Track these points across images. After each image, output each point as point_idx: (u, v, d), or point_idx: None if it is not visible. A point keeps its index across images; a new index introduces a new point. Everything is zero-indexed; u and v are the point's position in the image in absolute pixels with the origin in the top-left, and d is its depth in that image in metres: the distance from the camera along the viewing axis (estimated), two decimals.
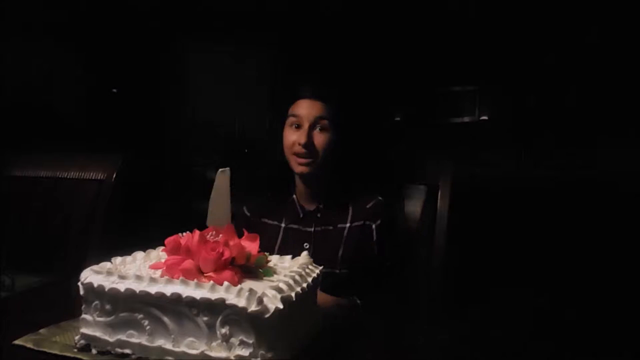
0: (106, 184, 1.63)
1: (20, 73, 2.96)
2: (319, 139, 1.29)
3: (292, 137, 1.30)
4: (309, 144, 1.28)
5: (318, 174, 1.32)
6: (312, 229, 1.34)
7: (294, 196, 1.38)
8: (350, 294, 1.28)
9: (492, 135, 3.81)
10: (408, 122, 4.14)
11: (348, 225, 1.33)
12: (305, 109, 1.30)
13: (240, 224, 1.19)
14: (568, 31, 3.37)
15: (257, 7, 3.63)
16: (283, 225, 1.37)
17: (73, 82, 3.39)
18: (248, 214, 1.42)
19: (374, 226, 1.33)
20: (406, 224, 1.44)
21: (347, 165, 1.35)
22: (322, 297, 1.18)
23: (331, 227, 1.33)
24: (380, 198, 1.35)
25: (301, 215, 1.36)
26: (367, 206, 1.34)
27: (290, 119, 1.32)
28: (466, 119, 4.09)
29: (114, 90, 3.86)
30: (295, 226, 1.36)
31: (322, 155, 1.29)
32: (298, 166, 1.30)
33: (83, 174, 1.68)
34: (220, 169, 0.97)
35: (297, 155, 1.29)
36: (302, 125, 1.30)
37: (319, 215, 1.35)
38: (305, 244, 1.32)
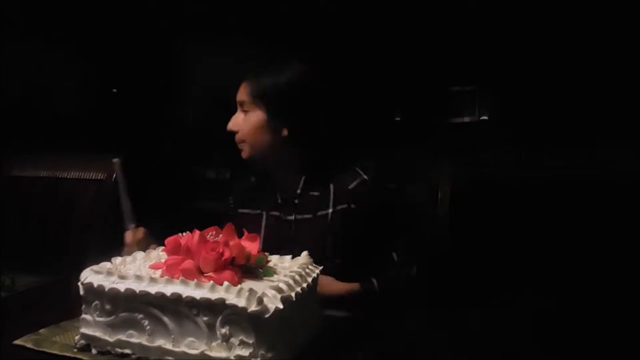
0: (106, 184, 1.64)
1: (20, 73, 2.97)
2: (243, 122, 1.24)
3: None
4: (232, 130, 1.24)
5: (263, 156, 1.24)
6: (293, 217, 1.25)
7: (272, 182, 1.31)
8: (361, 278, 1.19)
9: (492, 135, 3.81)
10: (408, 122, 4.14)
11: (331, 210, 1.23)
12: (237, 92, 1.26)
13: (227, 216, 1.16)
14: (568, 31, 3.37)
15: (257, 7, 3.64)
16: (264, 213, 1.29)
17: (73, 82, 3.40)
18: (232, 205, 1.37)
19: (359, 209, 1.22)
20: (403, 204, 1.35)
21: (307, 144, 1.24)
22: (330, 285, 1.14)
23: (311, 215, 1.24)
24: (365, 177, 1.24)
25: (279, 201, 1.28)
26: (350, 187, 1.23)
27: None
28: (466, 119, 4.09)
29: (114, 90, 3.86)
30: (276, 213, 1.28)
31: (252, 137, 1.22)
32: (241, 152, 1.26)
33: (83, 174, 1.68)
34: (113, 160, 1.02)
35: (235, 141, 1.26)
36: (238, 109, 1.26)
37: (296, 201, 1.26)
38: (287, 233, 1.25)
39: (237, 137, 1.25)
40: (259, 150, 1.24)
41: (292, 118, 1.22)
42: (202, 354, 0.78)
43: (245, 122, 1.24)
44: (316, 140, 1.26)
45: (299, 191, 1.26)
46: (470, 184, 2.00)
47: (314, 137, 1.25)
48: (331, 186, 1.25)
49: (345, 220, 1.22)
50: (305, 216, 1.25)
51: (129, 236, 1.23)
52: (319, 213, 1.24)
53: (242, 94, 1.24)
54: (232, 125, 1.26)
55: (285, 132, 1.22)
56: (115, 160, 1.07)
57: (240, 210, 1.34)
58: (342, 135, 1.36)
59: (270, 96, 1.21)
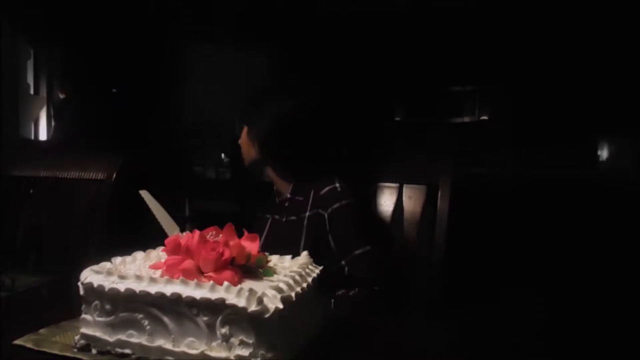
0: (106, 184, 1.64)
1: (21, 73, 2.96)
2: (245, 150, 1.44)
3: None
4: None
5: (253, 168, 1.43)
6: (284, 219, 1.39)
7: (275, 187, 1.47)
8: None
9: (492, 135, 3.81)
10: (408, 122, 4.14)
11: (307, 214, 1.34)
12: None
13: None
14: (568, 31, 3.37)
15: (256, 7, 3.63)
16: (268, 216, 1.45)
17: (73, 82, 3.40)
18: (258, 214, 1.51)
19: (326, 215, 1.31)
20: (371, 213, 1.43)
21: (289, 154, 1.39)
22: None
23: (294, 217, 1.37)
24: (337, 184, 1.34)
25: (277, 202, 1.45)
26: (321, 193, 1.34)
27: None
28: (466, 119, 4.09)
29: (114, 90, 3.86)
30: (276, 217, 1.43)
31: (247, 159, 1.44)
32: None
33: (83, 174, 1.68)
34: (140, 192, 1.07)
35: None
36: None
37: (286, 204, 1.40)
38: (281, 232, 1.38)
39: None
40: (249, 161, 1.45)
41: (281, 151, 1.40)
42: (202, 354, 0.78)
43: (246, 155, 1.45)
44: (301, 157, 1.41)
45: (288, 195, 1.41)
46: (470, 184, 2.00)
47: (299, 157, 1.41)
48: (311, 192, 1.37)
49: (314, 224, 1.33)
50: (292, 218, 1.38)
51: None
52: (301, 215, 1.36)
53: (242, 137, 1.44)
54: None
55: (264, 139, 1.40)
56: (143, 191, 1.10)
57: (260, 215, 1.49)
58: (329, 144, 1.49)
59: (263, 142, 1.39)
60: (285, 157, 1.41)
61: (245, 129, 1.44)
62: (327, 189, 1.34)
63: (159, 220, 1.03)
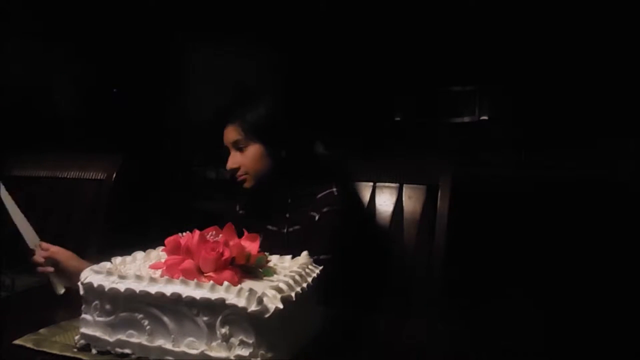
0: (106, 184, 1.64)
1: (20, 73, 2.97)
2: (242, 158, 1.35)
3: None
4: (234, 169, 1.35)
5: (263, 182, 1.36)
6: (285, 230, 1.37)
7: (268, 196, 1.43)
8: None
9: (492, 135, 3.81)
10: (408, 122, 4.14)
11: (307, 222, 1.34)
12: (225, 136, 1.37)
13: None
14: (568, 31, 3.37)
15: (256, 7, 3.64)
16: (269, 227, 1.40)
17: (73, 82, 3.39)
18: (241, 212, 1.46)
19: (317, 217, 1.32)
20: (354, 217, 1.40)
21: (288, 166, 1.36)
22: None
23: (299, 227, 1.36)
24: (334, 189, 1.34)
25: (274, 212, 1.40)
26: (318, 197, 1.34)
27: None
28: (466, 119, 4.08)
29: (114, 90, 3.86)
30: (274, 228, 1.39)
31: (254, 168, 1.35)
32: (242, 183, 1.37)
33: (83, 174, 1.68)
34: None
35: (235, 175, 1.37)
36: (229, 150, 1.37)
37: (287, 215, 1.38)
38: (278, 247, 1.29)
39: (240, 172, 1.36)
40: (262, 177, 1.36)
41: (285, 141, 1.35)
42: (202, 354, 0.78)
43: (245, 157, 1.35)
44: (304, 151, 1.40)
45: (289, 201, 1.38)
46: (470, 184, 2.00)
47: (303, 149, 1.39)
48: (311, 199, 1.35)
49: (309, 228, 1.33)
50: (295, 227, 1.36)
51: (40, 255, 1.21)
52: (305, 224, 1.35)
53: (234, 135, 1.35)
54: (232, 164, 1.36)
55: (283, 153, 1.35)
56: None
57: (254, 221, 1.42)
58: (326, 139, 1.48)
59: (264, 129, 1.34)
60: (303, 145, 1.39)
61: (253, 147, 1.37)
62: (324, 193, 1.34)
63: (17, 224, 1.07)
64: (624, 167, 2.99)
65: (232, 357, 0.77)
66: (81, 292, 0.86)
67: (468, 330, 1.08)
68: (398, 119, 4.16)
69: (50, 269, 1.19)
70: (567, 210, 2.76)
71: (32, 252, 1.21)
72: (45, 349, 0.86)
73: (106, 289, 0.83)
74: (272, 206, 1.41)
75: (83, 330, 0.86)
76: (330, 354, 0.90)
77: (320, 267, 0.97)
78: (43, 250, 1.21)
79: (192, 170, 3.78)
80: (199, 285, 0.79)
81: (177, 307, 0.80)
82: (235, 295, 0.77)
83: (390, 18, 3.72)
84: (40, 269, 1.20)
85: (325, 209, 1.32)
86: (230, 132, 1.35)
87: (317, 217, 1.32)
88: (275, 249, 1.07)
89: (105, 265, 0.90)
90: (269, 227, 1.39)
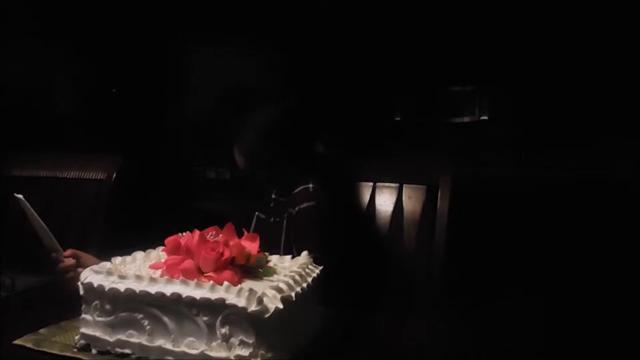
0: (106, 184, 1.64)
1: (20, 73, 2.96)
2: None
3: None
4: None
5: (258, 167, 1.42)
6: (272, 219, 1.43)
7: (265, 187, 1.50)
8: None
9: (492, 135, 3.81)
10: (408, 122, 4.13)
11: (286, 215, 1.39)
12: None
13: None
14: (568, 31, 3.37)
15: (256, 7, 3.64)
16: (259, 214, 1.47)
17: (73, 82, 3.39)
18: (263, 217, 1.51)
19: (294, 213, 1.35)
20: (334, 213, 1.39)
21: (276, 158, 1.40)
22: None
23: (278, 219, 1.40)
24: (310, 185, 1.36)
25: (264, 201, 1.47)
26: (294, 192, 1.37)
27: None
28: (466, 119, 4.08)
29: (114, 90, 3.86)
30: (263, 216, 1.46)
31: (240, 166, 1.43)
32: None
33: (83, 174, 1.69)
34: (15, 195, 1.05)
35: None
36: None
37: (272, 205, 1.44)
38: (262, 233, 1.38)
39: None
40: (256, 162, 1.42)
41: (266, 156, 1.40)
42: (202, 354, 0.78)
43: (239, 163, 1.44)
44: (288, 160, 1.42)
45: (273, 196, 1.44)
46: (470, 184, 2.00)
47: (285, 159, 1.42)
48: (291, 193, 1.39)
49: (289, 224, 1.36)
50: (277, 219, 1.41)
51: (67, 263, 1.18)
52: (283, 216, 1.39)
53: (240, 159, 1.43)
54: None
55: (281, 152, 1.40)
56: (19, 196, 1.09)
57: (258, 215, 1.49)
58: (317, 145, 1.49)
59: (262, 146, 1.39)
60: (271, 161, 1.42)
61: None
62: (299, 188, 1.36)
63: (38, 231, 1.06)
64: (624, 167, 2.99)
65: (232, 357, 0.77)
66: (81, 292, 0.86)
67: (468, 330, 1.08)
68: (398, 119, 4.15)
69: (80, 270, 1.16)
70: (567, 211, 2.76)
71: (57, 260, 1.18)
72: (45, 349, 0.86)
73: (106, 289, 0.83)
74: (262, 195, 1.48)
75: (83, 330, 0.86)
76: (330, 354, 0.90)
77: (320, 267, 0.97)
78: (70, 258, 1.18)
79: (192, 170, 3.78)
80: (199, 285, 0.79)
81: (177, 307, 0.80)
82: (235, 295, 0.77)
83: (390, 18, 3.71)
84: (68, 275, 1.16)
85: (301, 205, 1.33)
86: (236, 154, 1.43)
87: (294, 213, 1.35)
88: (264, 237, 1.10)
89: (105, 265, 0.90)
90: (262, 215, 1.45)
